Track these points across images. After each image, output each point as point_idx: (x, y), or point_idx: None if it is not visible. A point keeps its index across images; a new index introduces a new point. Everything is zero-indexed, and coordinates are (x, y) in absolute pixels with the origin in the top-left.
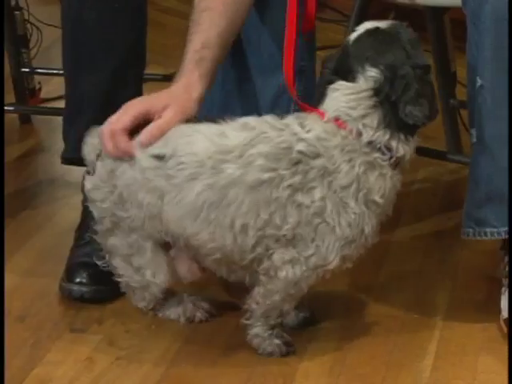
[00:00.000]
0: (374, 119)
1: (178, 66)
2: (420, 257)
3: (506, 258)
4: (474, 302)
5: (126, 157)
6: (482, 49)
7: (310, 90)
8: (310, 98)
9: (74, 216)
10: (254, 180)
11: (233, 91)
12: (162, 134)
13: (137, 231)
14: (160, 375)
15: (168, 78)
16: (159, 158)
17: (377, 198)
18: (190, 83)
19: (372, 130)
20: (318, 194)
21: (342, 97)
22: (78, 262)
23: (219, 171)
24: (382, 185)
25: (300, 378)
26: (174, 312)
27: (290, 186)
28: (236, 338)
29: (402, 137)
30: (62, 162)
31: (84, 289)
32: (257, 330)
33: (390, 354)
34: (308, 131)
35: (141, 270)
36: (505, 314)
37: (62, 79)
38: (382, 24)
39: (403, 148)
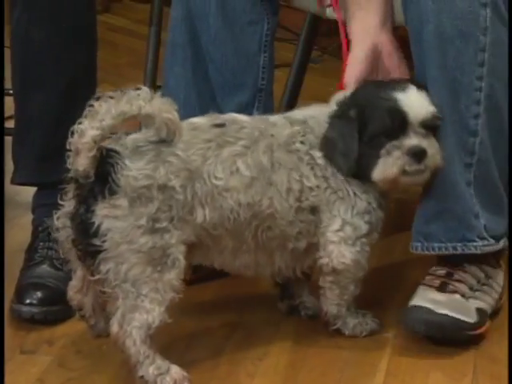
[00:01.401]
0: None
1: (129, 85)
2: (370, 274)
3: (441, 272)
4: None
5: None
6: (428, 67)
7: (269, 108)
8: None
9: (23, 237)
10: (285, 138)
11: (195, 108)
12: None
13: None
14: None
15: None
16: (220, 125)
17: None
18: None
19: None
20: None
21: None
22: (28, 283)
23: (270, 134)
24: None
25: None
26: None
27: (302, 142)
28: (187, 355)
29: None
30: (12, 182)
31: (34, 310)
32: (349, 321)
33: (341, 371)
34: None
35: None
36: None
37: (11, 99)
38: None
39: None
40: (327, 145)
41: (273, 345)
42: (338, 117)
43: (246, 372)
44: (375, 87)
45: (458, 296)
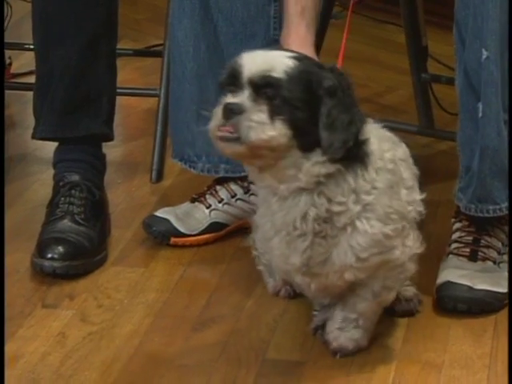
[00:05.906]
0: None
1: (149, 40)
2: None
3: (457, 225)
4: None
5: None
6: (487, 20)
7: None
8: None
9: (45, 191)
10: None
11: (204, 60)
12: None
13: None
14: (133, 350)
15: (139, 53)
16: None
17: None
18: (301, 36)
19: None
20: None
21: None
22: (49, 238)
23: None
24: None
25: (272, 349)
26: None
27: None
28: (208, 313)
29: None
30: (33, 137)
31: (56, 264)
32: None
33: None
34: None
35: None
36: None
37: (32, 54)
38: None
39: None
40: None
41: (293, 301)
42: None
43: (266, 327)
44: None
45: (490, 263)
